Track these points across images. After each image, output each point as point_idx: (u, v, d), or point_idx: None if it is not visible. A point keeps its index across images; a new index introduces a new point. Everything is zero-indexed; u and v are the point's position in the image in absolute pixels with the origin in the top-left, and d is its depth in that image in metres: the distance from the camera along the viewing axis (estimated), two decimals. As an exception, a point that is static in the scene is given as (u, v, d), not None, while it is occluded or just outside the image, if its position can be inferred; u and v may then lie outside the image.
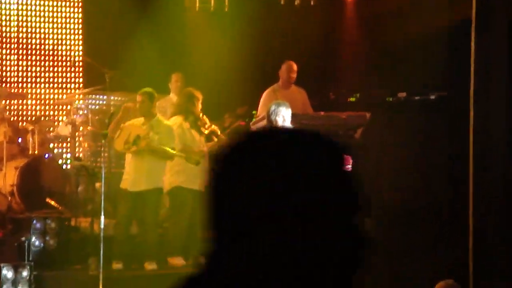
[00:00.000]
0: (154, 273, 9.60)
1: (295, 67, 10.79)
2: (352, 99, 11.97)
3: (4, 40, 12.57)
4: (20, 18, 12.66)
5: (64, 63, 12.90)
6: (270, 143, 1.52)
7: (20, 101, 12.52)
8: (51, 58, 12.87)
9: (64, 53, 12.90)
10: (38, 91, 12.76)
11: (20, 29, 12.68)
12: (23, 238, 9.52)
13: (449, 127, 10.89)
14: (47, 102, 12.75)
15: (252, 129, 7.81)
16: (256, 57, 12.45)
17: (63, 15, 12.93)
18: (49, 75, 12.87)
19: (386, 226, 9.79)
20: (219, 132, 10.13)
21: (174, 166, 9.86)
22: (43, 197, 10.40)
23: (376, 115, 10.10)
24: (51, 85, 12.88)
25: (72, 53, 12.79)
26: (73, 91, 12.71)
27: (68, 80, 12.98)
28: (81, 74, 12.98)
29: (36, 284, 9.01)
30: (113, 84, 10.83)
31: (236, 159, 1.52)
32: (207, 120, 10.05)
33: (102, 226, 9.02)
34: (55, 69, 12.90)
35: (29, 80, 12.74)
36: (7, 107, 11.59)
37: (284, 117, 8.58)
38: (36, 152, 10.71)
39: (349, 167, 7.67)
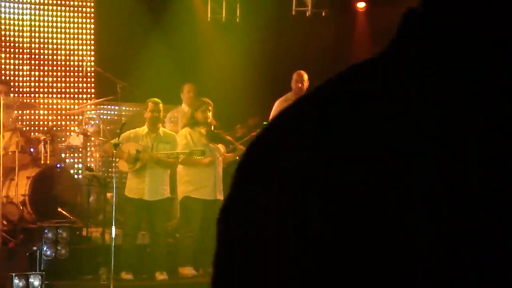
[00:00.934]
0: (164, 283, 9.59)
1: (306, 76, 10.80)
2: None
3: (17, 50, 12.64)
4: (32, 29, 12.73)
5: (76, 74, 12.95)
6: None
7: (32, 111, 12.57)
8: (63, 68, 12.93)
9: (76, 63, 12.97)
10: (50, 101, 12.82)
11: (33, 39, 12.75)
12: (34, 248, 9.55)
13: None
14: (59, 112, 12.80)
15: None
16: (267, 67, 12.46)
17: (76, 26, 12.99)
18: (61, 86, 12.92)
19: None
20: (234, 142, 10.19)
21: (183, 176, 9.86)
22: (54, 207, 10.41)
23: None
24: (63, 95, 12.94)
25: (84, 64, 12.83)
26: (85, 101, 12.74)
27: (80, 90, 13.04)
28: (93, 85, 13.03)
29: (47, 294, 9.04)
30: (124, 95, 10.85)
31: None
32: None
33: (113, 236, 9.03)
34: (67, 79, 12.96)
35: (41, 90, 12.80)
36: (19, 117, 11.63)
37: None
38: (48, 162, 10.73)
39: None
